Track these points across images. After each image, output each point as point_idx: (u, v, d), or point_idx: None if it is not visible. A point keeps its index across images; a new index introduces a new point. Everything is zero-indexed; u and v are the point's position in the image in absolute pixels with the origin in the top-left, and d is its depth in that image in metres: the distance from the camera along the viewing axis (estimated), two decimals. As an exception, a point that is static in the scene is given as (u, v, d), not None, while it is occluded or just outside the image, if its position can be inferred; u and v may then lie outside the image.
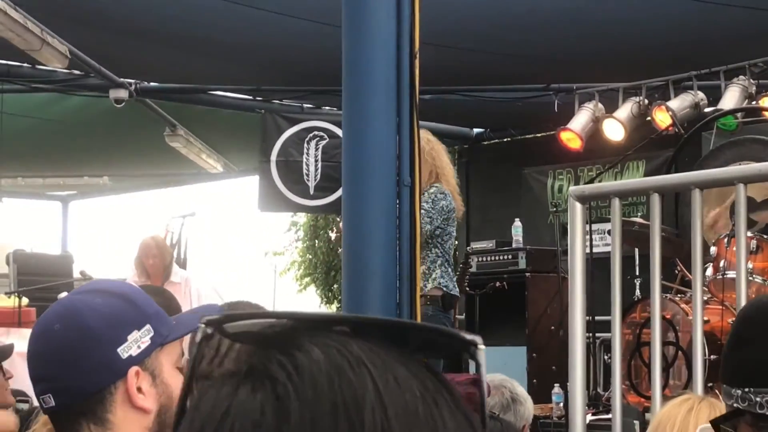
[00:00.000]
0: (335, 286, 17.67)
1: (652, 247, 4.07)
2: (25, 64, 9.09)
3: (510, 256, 9.17)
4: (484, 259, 9.23)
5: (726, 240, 6.47)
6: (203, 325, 0.84)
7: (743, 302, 3.99)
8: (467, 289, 7.67)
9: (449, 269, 6.61)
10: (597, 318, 7.07)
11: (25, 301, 8.59)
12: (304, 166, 10.02)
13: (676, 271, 7.23)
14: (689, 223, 4.15)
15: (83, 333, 2.02)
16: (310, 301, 18.94)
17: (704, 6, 7.45)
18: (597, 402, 7.46)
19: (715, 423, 1.82)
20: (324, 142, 10.00)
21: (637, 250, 7.71)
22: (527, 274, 8.95)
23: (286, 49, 8.63)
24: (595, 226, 7.88)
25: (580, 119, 8.84)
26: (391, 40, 4.39)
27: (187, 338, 2.17)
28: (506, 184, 11.34)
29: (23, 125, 10.14)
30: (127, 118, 9.88)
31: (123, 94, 9.38)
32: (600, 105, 8.85)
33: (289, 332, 0.82)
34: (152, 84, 9.83)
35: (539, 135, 10.70)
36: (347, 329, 0.83)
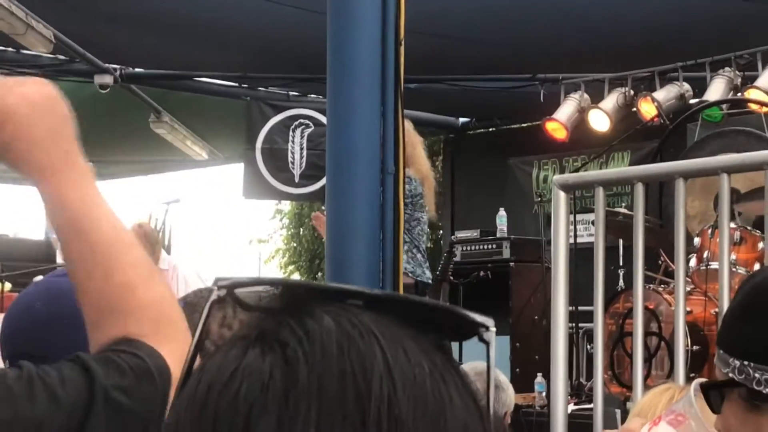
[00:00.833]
0: (319, 274, 17.66)
1: (635, 237, 4.07)
2: (10, 49, 9.04)
3: (494, 246, 9.16)
4: (469, 248, 9.22)
5: (710, 231, 6.48)
6: (215, 288, 0.84)
7: (726, 293, 3.99)
8: (451, 278, 7.67)
9: (418, 255, 6.58)
10: (580, 308, 7.07)
11: (8, 286, 8.57)
12: (290, 154, 10.01)
13: (660, 262, 7.24)
14: (673, 213, 4.15)
15: (66, 311, 2.01)
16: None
17: (691, -3, 7.47)
18: (579, 392, 7.47)
19: (705, 387, 1.80)
20: (309, 130, 9.99)
21: (621, 240, 7.72)
22: (511, 264, 8.95)
23: (273, 36, 8.61)
24: (579, 217, 7.88)
25: (566, 109, 8.85)
26: (376, 27, 4.39)
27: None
28: (491, 173, 11.34)
29: (7, 110, 10.09)
30: (112, 105, 9.84)
31: (108, 79, 9.35)
32: (586, 95, 8.85)
33: (301, 301, 0.82)
34: (137, 70, 9.80)
35: (525, 125, 10.71)
36: (360, 303, 0.82)
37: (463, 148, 11.87)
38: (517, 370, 8.45)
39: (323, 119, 9.29)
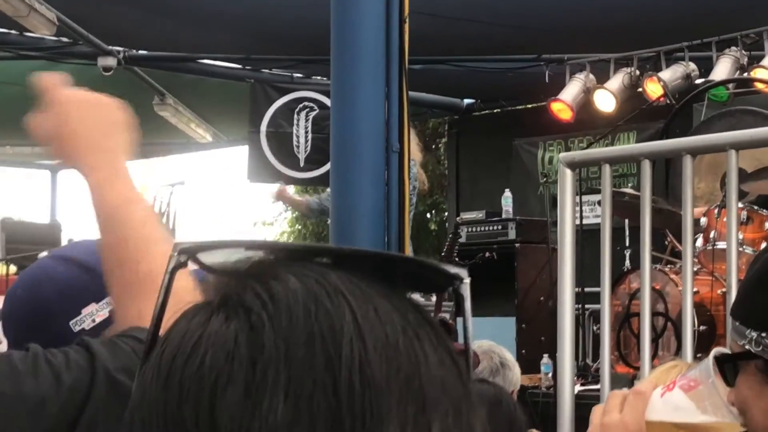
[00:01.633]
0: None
1: (642, 214, 4.04)
2: (13, 31, 9.01)
3: (500, 227, 9.15)
4: (474, 229, 9.21)
5: (716, 211, 6.45)
6: (176, 254, 0.81)
7: (734, 273, 3.96)
8: (456, 259, 7.65)
9: None
10: (586, 289, 7.05)
11: (12, 268, 8.57)
12: (294, 138, 9.98)
13: (666, 242, 7.22)
14: (680, 193, 4.12)
15: (37, 303, 2.00)
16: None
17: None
18: (585, 372, 7.46)
19: (720, 359, 1.75)
20: (314, 114, 9.96)
21: (627, 221, 7.69)
22: (517, 245, 8.93)
23: (277, 18, 8.57)
24: (584, 198, 7.86)
25: (571, 90, 8.81)
26: (380, 6, 4.35)
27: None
28: (497, 154, 11.31)
29: (11, 93, 10.05)
30: (116, 87, 9.71)
31: (111, 62, 9.32)
32: (591, 76, 8.81)
33: (266, 263, 0.79)
34: (141, 52, 9.77)
35: (530, 106, 10.67)
36: (328, 261, 0.79)
37: (467, 129, 11.84)
38: (523, 351, 8.44)
39: (328, 102, 9.26)
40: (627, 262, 7.64)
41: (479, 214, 9.53)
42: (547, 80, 8.95)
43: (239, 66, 10.32)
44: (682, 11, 8.11)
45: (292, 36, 8.94)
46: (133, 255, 1.62)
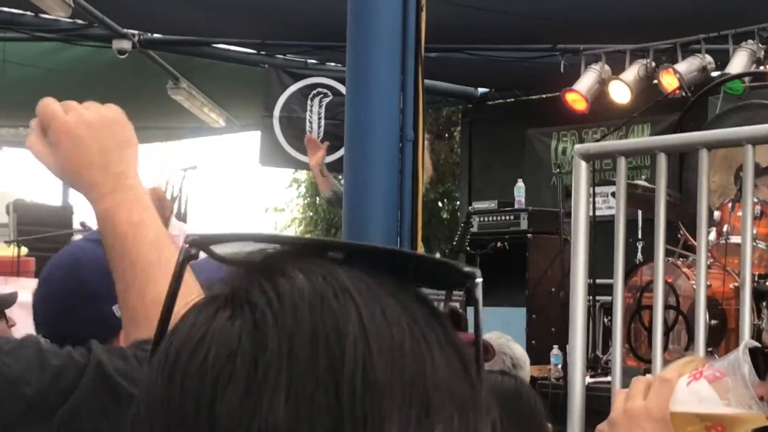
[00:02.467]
0: (336, 243, 17.64)
1: (657, 207, 4.02)
2: (28, 13, 9.01)
3: (512, 217, 9.14)
4: (486, 219, 9.20)
5: (730, 205, 6.43)
6: (187, 245, 0.80)
7: (747, 267, 3.94)
8: (468, 248, 7.64)
9: None
10: (597, 281, 7.03)
11: (24, 250, 8.57)
12: (307, 124, 9.97)
13: (679, 236, 7.20)
14: (694, 187, 4.10)
15: (80, 285, 1.98)
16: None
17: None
18: (595, 365, 7.45)
19: (753, 352, 1.72)
20: (327, 100, 9.95)
21: (640, 213, 7.67)
22: (529, 235, 8.93)
23: (292, 3, 8.56)
24: (597, 189, 7.82)
25: (586, 81, 8.78)
26: (397, -7, 4.33)
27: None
28: (510, 144, 11.28)
29: (25, 74, 10.07)
30: (130, 70, 9.81)
31: (126, 45, 9.30)
32: (606, 67, 8.79)
33: (276, 256, 0.78)
34: (156, 35, 9.75)
35: (544, 96, 10.64)
36: (340, 256, 0.78)
37: (481, 118, 11.82)
38: (533, 341, 8.44)
39: (342, 89, 9.25)
40: (639, 255, 7.62)
41: (491, 204, 9.52)
42: (562, 70, 8.92)
43: (254, 51, 10.31)
44: (699, 3, 8.07)
45: (306, 22, 8.92)
46: (141, 281, 1.57)
